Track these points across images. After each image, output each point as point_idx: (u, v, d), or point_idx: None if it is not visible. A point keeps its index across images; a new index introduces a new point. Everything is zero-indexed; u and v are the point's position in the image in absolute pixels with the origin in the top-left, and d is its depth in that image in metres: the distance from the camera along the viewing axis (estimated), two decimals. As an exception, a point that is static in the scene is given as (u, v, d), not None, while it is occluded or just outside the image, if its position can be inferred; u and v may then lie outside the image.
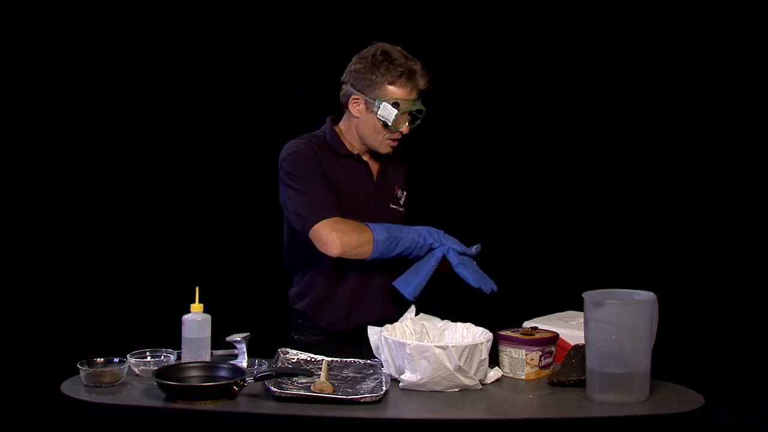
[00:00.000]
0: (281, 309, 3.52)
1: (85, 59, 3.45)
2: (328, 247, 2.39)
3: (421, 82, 2.50)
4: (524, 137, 3.70)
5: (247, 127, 3.58)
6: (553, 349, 2.32)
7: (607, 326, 2.05)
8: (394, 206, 2.64)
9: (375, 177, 2.62)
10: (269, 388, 2.05)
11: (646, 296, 2.11)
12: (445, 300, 2.64)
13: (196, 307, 2.25)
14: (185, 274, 3.05)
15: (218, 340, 2.31)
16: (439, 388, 2.13)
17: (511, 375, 2.26)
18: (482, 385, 2.19)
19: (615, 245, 3.55)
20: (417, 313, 2.42)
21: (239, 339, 2.30)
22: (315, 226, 2.40)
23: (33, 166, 3.44)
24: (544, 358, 2.28)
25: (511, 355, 2.29)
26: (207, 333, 2.26)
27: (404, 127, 2.52)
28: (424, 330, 2.39)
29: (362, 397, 2.02)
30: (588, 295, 2.10)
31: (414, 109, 2.51)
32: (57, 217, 3.46)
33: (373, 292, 2.56)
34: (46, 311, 3.41)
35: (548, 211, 3.72)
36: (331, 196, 2.47)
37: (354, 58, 2.55)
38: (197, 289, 2.26)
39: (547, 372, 2.29)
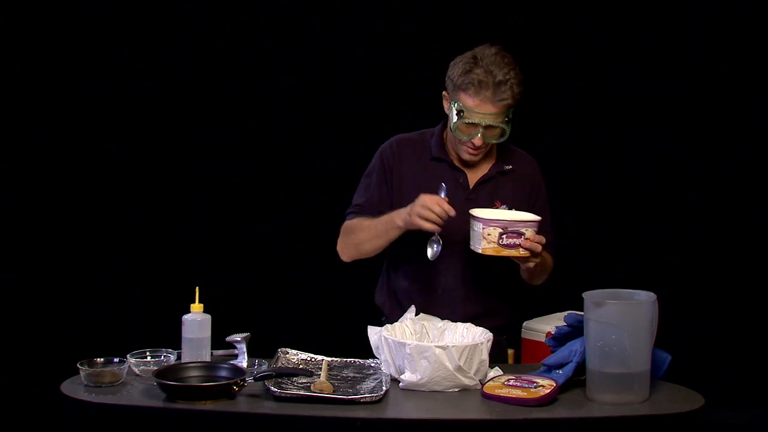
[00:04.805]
0: (281, 309, 3.54)
1: (89, 59, 3.45)
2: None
3: (495, 98, 2.27)
4: (525, 137, 3.69)
5: (248, 127, 3.57)
6: (522, 231, 2.25)
7: (607, 326, 2.05)
8: None
9: (471, 186, 2.48)
10: (269, 388, 2.05)
11: (646, 296, 2.11)
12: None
13: (196, 307, 2.25)
14: (185, 274, 3.04)
15: (218, 340, 2.31)
16: (439, 388, 2.13)
17: (471, 249, 2.29)
18: (482, 385, 2.19)
19: (615, 245, 3.54)
20: (417, 313, 2.42)
21: (239, 339, 2.30)
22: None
23: (33, 166, 3.44)
24: (507, 237, 2.25)
25: (473, 228, 2.29)
26: (207, 333, 2.26)
27: (476, 139, 2.34)
28: (424, 330, 2.38)
29: (362, 397, 2.02)
30: (588, 295, 2.10)
31: (482, 123, 2.31)
32: (57, 216, 3.46)
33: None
34: (47, 311, 3.40)
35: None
36: (373, 198, 2.42)
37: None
38: (197, 289, 2.26)
39: (512, 252, 2.26)
